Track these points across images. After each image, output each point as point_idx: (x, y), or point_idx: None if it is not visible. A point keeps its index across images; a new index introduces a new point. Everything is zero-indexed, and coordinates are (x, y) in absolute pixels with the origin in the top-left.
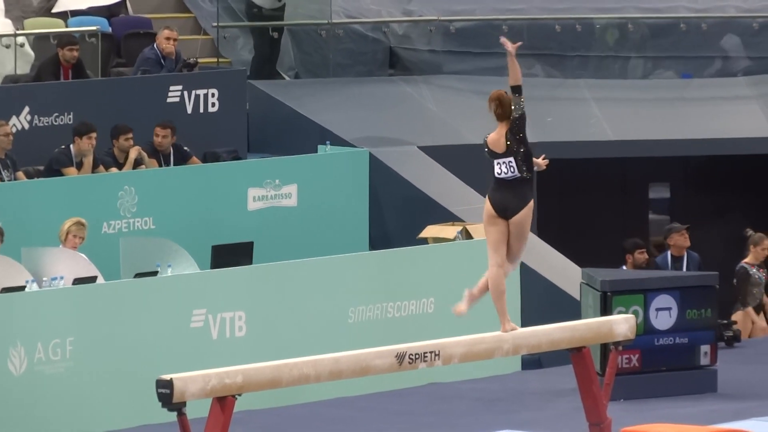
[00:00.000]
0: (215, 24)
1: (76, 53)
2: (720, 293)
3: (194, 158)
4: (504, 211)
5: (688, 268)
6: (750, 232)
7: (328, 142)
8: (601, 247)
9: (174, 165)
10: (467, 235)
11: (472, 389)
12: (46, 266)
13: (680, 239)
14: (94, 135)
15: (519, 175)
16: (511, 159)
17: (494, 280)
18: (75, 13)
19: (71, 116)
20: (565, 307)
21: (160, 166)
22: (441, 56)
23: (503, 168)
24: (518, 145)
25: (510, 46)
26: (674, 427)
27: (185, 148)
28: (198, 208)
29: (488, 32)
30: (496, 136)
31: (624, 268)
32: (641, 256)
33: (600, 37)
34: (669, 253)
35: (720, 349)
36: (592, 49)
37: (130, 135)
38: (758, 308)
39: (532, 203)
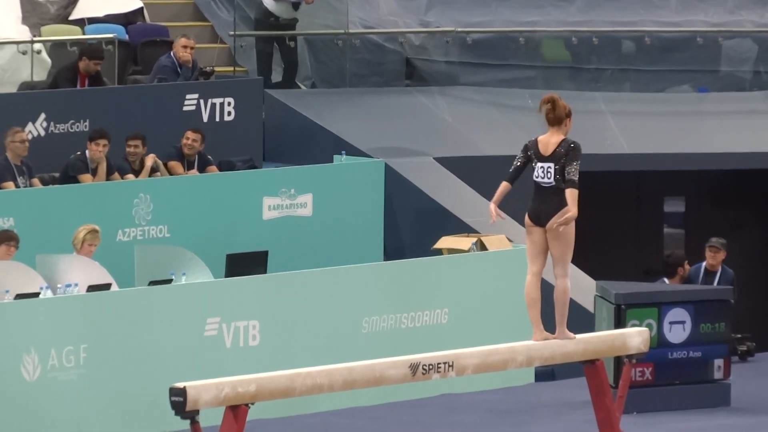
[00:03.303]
0: (232, 33)
1: (98, 68)
2: (735, 307)
3: (213, 167)
4: (538, 218)
5: (719, 283)
6: None
7: (343, 152)
8: (616, 260)
9: (198, 171)
10: (482, 247)
11: (485, 400)
12: (60, 273)
13: (709, 255)
14: (102, 141)
15: (554, 183)
16: (551, 165)
17: (526, 288)
18: (92, 20)
19: (87, 123)
20: (579, 320)
21: (184, 170)
22: (457, 67)
23: (540, 172)
24: (564, 157)
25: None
26: None
27: (209, 156)
28: (213, 216)
29: (505, 44)
30: (546, 139)
31: (666, 281)
32: (688, 267)
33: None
34: (703, 265)
35: (733, 363)
36: (608, 62)
37: (137, 142)
38: None
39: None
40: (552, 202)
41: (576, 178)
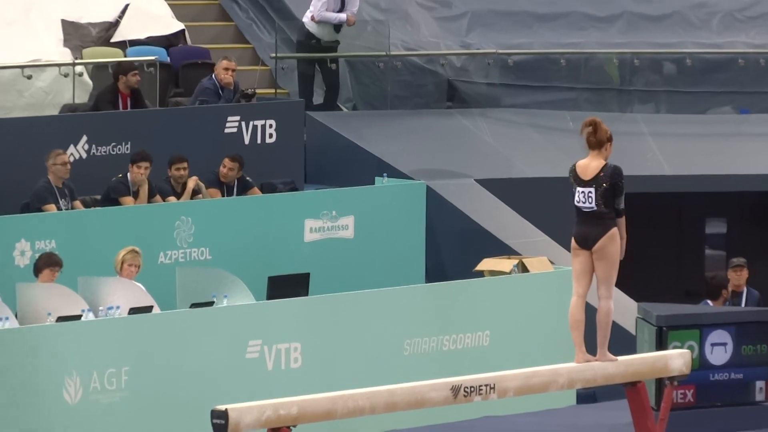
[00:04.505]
0: (273, 55)
1: (138, 77)
2: None
3: (255, 189)
4: (585, 241)
5: (746, 305)
6: None
7: (385, 174)
8: (658, 282)
9: (237, 195)
10: (523, 269)
11: (527, 422)
12: (102, 296)
13: (734, 276)
14: (144, 164)
15: (595, 208)
16: (591, 190)
17: (571, 310)
18: (134, 42)
19: (129, 146)
20: (621, 342)
21: (223, 196)
22: (498, 89)
23: (581, 197)
24: (606, 182)
25: None
26: None
27: (248, 178)
28: (254, 238)
29: (546, 66)
30: (586, 163)
31: (710, 303)
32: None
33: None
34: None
35: None
36: (649, 83)
37: (183, 164)
38: None
39: (614, 231)
40: (597, 225)
41: (623, 206)
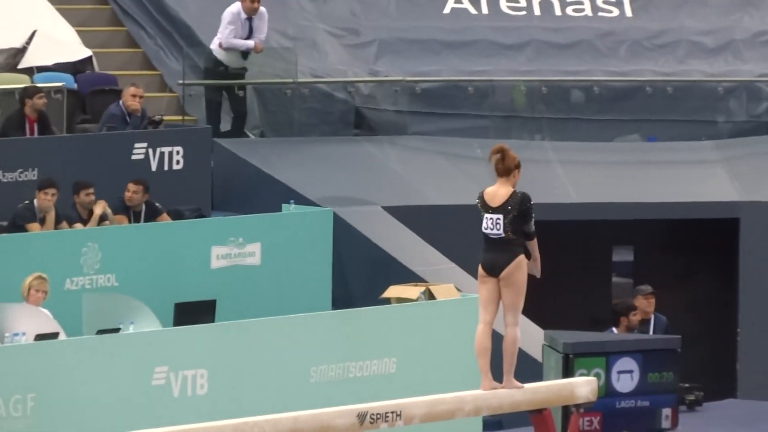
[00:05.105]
0: (181, 81)
1: (45, 99)
2: (683, 356)
3: (165, 215)
4: (492, 268)
5: (654, 332)
6: None
7: (292, 201)
8: (565, 309)
9: (144, 221)
10: (430, 296)
11: None
12: (8, 322)
13: (644, 303)
14: (51, 190)
15: (503, 234)
16: (500, 217)
17: (477, 337)
18: (41, 69)
19: (36, 172)
20: (527, 369)
21: (130, 222)
22: (406, 117)
23: (489, 224)
24: (514, 209)
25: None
26: None
27: (157, 204)
28: (161, 265)
29: (454, 93)
30: (494, 190)
31: (614, 330)
32: (635, 318)
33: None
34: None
35: (682, 413)
36: (557, 111)
37: (91, 190)
38: None
39: (521, 258)
40: (504, 252)
41: (533, 229)
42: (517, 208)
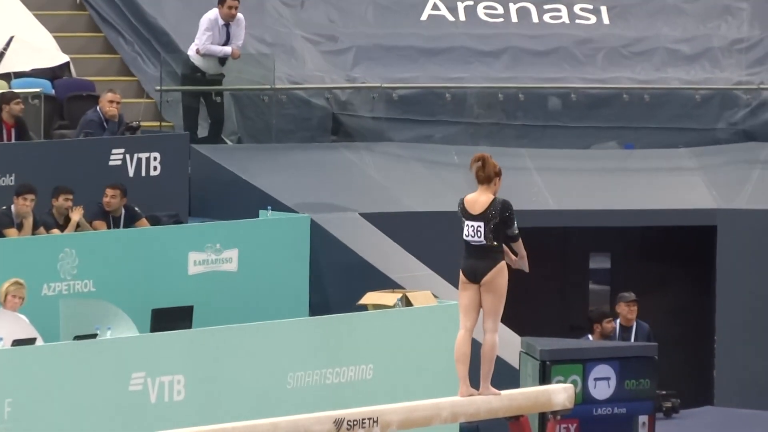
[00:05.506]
0: (158, 88)
1: (21, 105)
2: (660, 364)
3: (144, 220)
4: (473, 275)
5: (636, 338)
6: None
7: (269, 208)
8: (542, 316)
9: (124, 226)
10: (407, 303)
11: None
12: None
13: (625, 310)
14: (30, 196)
15: (484, 241)
16: (481, 224)
17: (457, 343)
18: (18, 74)
19: (13, 178)
20: (504, 376)
21: (109, 227)
22: (383, 123)
23: (470, 231)
24: (495, 216)
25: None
26: None
27: (136, 209)
28: (138, 271)
29: (431, 100)
30: (475, 197)
31: (590, 337)
32: (609, 325)
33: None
34: (618, 321)
35: (658, 420)
36: (534, 118)
37: (71, 196)
38: None
39: (502, 264)
40: (486, 259)
41: (517, 232)
42: (499, 215)
